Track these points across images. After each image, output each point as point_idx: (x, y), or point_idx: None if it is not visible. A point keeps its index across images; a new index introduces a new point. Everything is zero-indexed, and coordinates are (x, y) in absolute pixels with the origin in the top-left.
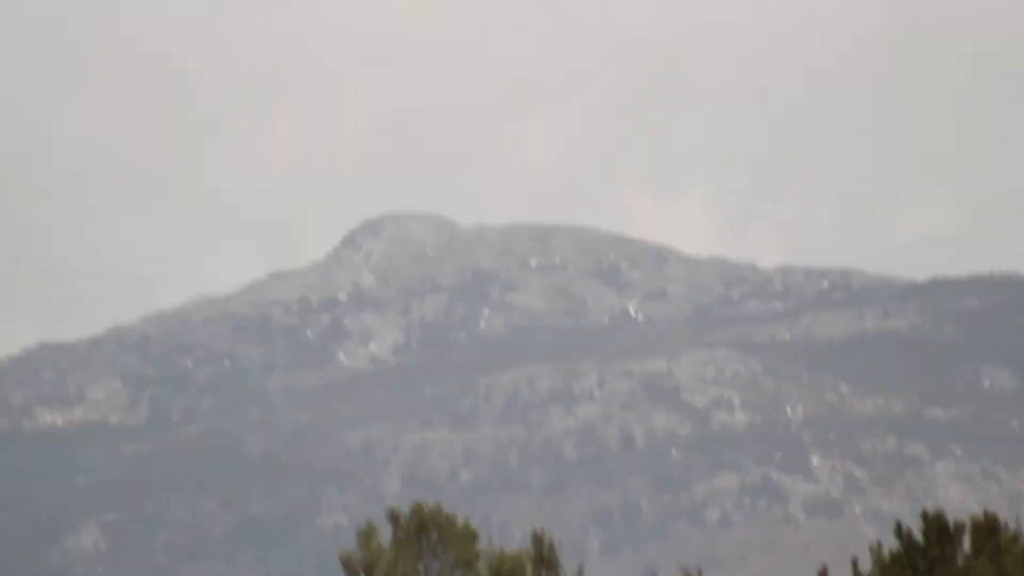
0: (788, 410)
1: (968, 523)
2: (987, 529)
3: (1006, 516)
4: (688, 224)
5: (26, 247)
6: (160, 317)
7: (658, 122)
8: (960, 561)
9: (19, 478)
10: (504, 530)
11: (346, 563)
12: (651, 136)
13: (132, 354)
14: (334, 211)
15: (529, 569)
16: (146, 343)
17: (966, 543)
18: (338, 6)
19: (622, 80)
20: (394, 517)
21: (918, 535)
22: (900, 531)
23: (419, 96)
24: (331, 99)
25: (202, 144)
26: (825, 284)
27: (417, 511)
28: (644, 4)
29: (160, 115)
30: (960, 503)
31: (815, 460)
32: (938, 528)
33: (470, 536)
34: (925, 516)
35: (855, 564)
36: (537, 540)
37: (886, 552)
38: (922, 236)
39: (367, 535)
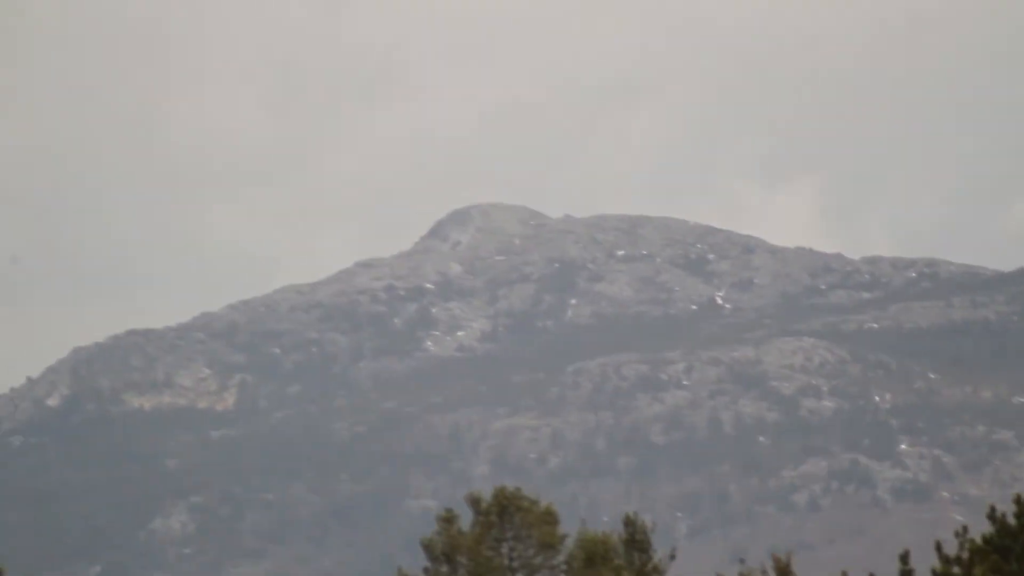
0: (876, 397)
1: None
2: None
3: None
4: (789, 214)
5: (119, 234)
6: (247, 305)
7: (760, 114)
8: None
9: (109, 462)
10: (592, 514)
11: (427, 547)
12: (754, 126)
13: (220, 340)
14: (426, 202)
15: (621, 551)
16: (234, 330)
17: None
18: (448, 5)
19: (721, 73)
20: (475, 501)
21: (1011, 519)
22: (994, 515)
23: (520, 91)
24: (434, 93)
25: (306, 138)
26: (912, 274)
27: (498, 495)
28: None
29: (268, 109)
30: None
31: (903, 446)
32: None
33: (552, 519)
34: (1019, 500)
35: (939, 547)
36: (629, 523)
37: (976, 536)
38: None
39: (447, 520)
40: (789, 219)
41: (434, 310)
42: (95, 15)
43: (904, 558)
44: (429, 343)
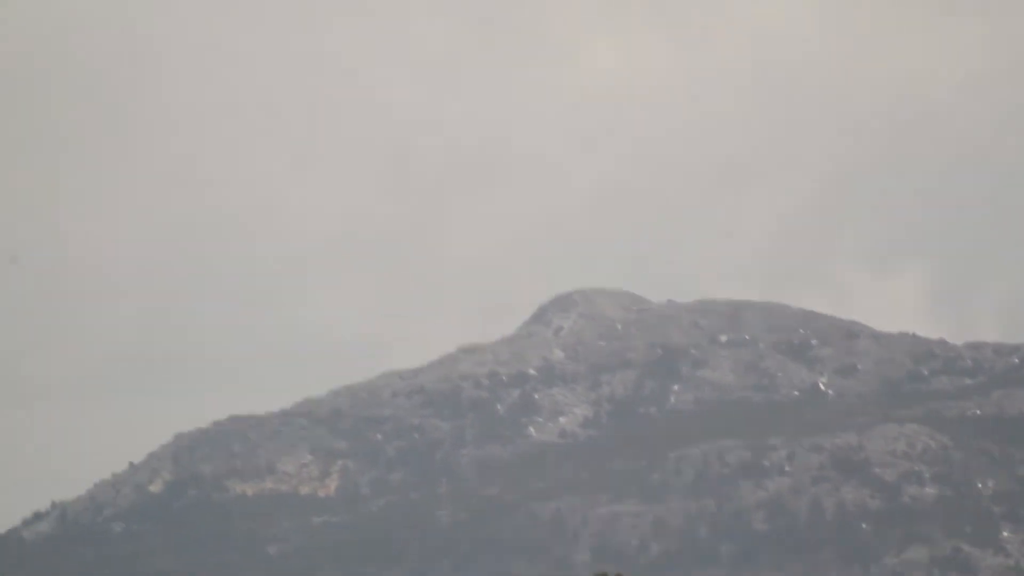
0: (978, 484)
1: None
2: None
3: None
4: (895, 300)
5: (222, 320)
6: (350, 390)
7: (868, 199)
8: None
9: (210, 549)
10: None
11: None
12: (861, 212)
13: (322, 427)
14: (529, 286)
15: None
16: (336, 416)
17: None
18: (555, 87)
19: (829, 159)
20: None
21: None
22: None
23: (625, 173)
24: (541, 176)
25: (413, 222)
26: (1016, 360)
27: None
28: (858, 77)
29: (376, 193)
30: None
31: (1006, 533)
32: None
33: None
34: None
35: None
36: None
37: None
38: None
39: None
40: (894, 305)
41: (537, 396)
42: (212, 90)
43: None
44: (532, 429)
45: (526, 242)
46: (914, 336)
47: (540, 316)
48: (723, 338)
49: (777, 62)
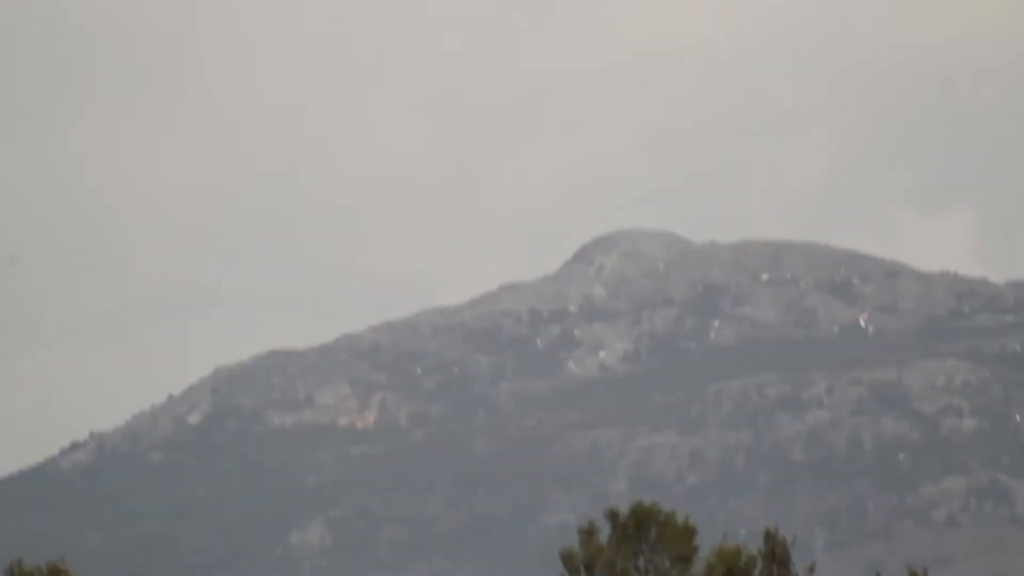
0: (1017, 417)
1: None
2: None
3: None
4: (941, 241)
5: (267, 256)
6: (390, 326)
7: (917, 144)
8: None
9: (247, 478)
10: (730, 529)
11: (566, 560)
12: (911, 156)
13: (362, 361)
14: (573, 228)
15: (761, 565)
16: (376, 351)
17: None
18: (604, 34)
19: (879, 105)
20: (614, 515)
21: None
22: None
23: (677, 120)
24: (594, 121)
25: (467, 167)
26: None
27: (636, 509)
28: (909, 19)
29: (430, 140)
30: None
31: None
32: None
33: (689, 533)
34: None
35: None
36: (769, 537)
37: None
38: None
39: (588, 532)
40: (939, 246)
41: (577, 332)
42: (270, 40)
43: None
44: (571, 364)
45: (573, 185)
46: (955, 275)
47: (582, 255)
48: (764, 277)
49: (827, 10)
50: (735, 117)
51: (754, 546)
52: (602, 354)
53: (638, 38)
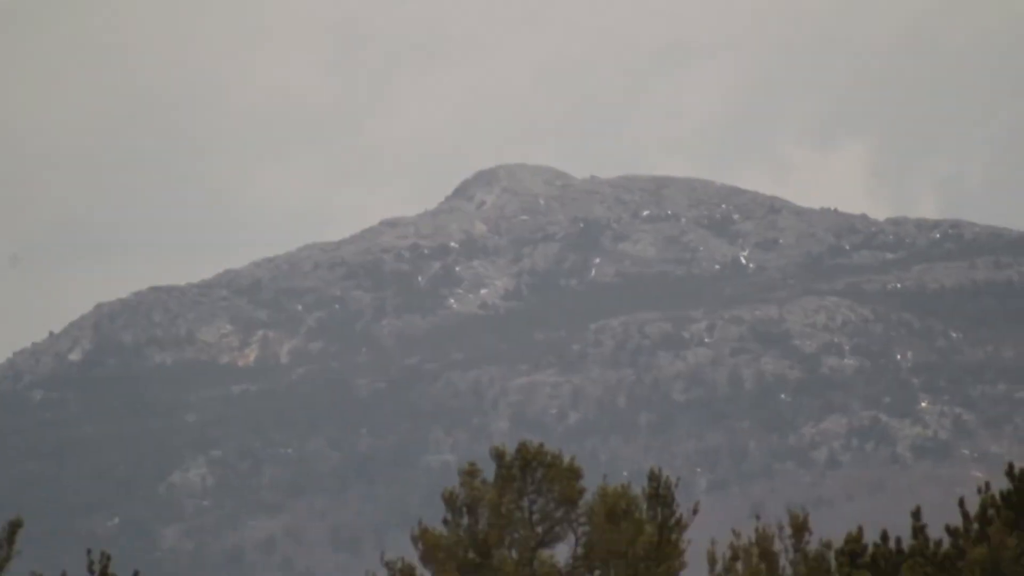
0: (898, 356)
1: None
2: None
3: None
4: (827, 176)
5: (146, 191)
6: (271, 262)
7: (809, 77)
8: None
9: (129, 416)
10: (612, 470)
11: (449, 501)
12: (802, 90)
13: (242, 297)
14: (456, 163)
15: (644, 506)
16: (257, 287)
17: None
18: None
19: (764, 41)
20: (498, 455)
21: None
22: (1012, 472)
23: (571, 52)
24: (482, 56)
25: (355, 101)
26: (936, 235)
27: (521, 449)
28: None
29: (319, 72)
30: None
31: (924, 404)
32: None
33: (574, 474)
34: None
35: (962, 504)
36: (653, 477)
37: (995, 492)
38: None
39: (470, 473)
40: (825, 183)
41: (458, 268)
42: None
43: (916, 514)
44: (452, 301)
45: (457, 120)
46: (836, 211)
47: (463, 190)
48: (645, 213)
49: None
50: (623, 51)
51: (637, 487)
52: (483, 291)
53: None
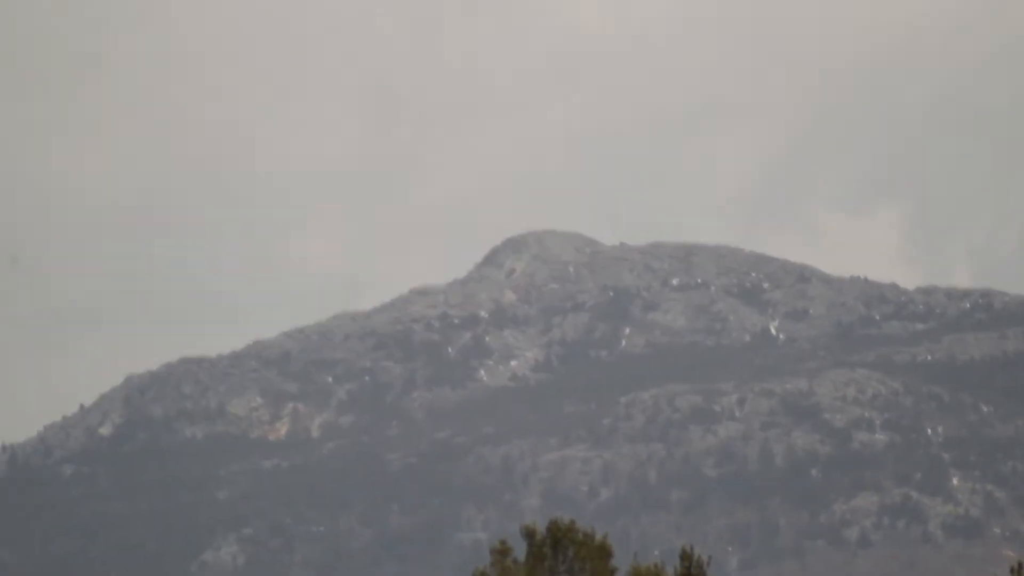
0: (928, 431)
1: None
2: None
3: None
4: (860, 244)
5: (178, 261)
6: (301, 333)
7: (841, 143)
8: None
9: (160, 492)
10: (643, 547)
11: None
12: (834, 156)
13: (272, 369)
14: (485, 229)
15: None
16: (286, 359)
17: None
18: (536, 26)
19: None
20: (529, 533)
21: None
22: None
23: (603, 115)
24: (517, 117)
25: (386, 165)
26: (967, 305)
27: (552, 527)
28: (833, 22)
29: (351, 135)
30: None
31: (955, 481)
32: None
33: (606, 553)
34: None
35: None
36: (685, 556)
37: None
38: None
39: (501, 552)
40: (856, 251)
41: (488, 339)
42: (184, 31)
43: None
44: (482, 372)
45: (487, 185)
46: (865, 280)
47: (492, 258)
48: (674, 281)
49: (753, 8)
50: (655, 115)
51: (669, 566)
52: (513, 363)
53: (562, 33)
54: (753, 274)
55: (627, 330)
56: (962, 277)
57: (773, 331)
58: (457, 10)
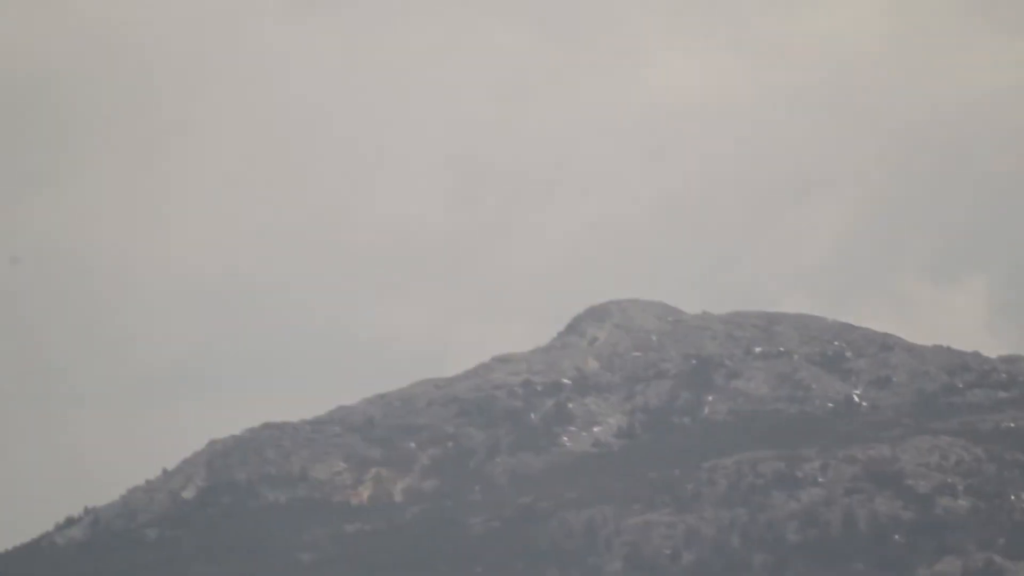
0: (1012, 497)
1: None
2: None
3: None
4: (937, 313)
5: (259, 327)
6: (384, 399)
7: (927, 213)
8: None
9: (243, 556)
10: None
11: None
12: (918, 226)
13: (356, 434)
14: (567, 298)
15: None
16: (370, 424)
17: None
18: (623, 94)
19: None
20: None
21: None
22: None
23: (688, 184)
24: (603, 187)
25: (471, 232)
26: None
27: None
28: (920, 86)
29: (434, 206)
30: None
31: None
32: None
33: None
34: None
35: None
36: None
37: None
38: None
39: None
40: (937, 317)
41: (571, 405)
42: (271, 96)
43: None
44: (565, 439)
45: (571, 254)
46: (948, 349)
47: (574, 326)
48: (757, 349)
49: (839, 77)
50: (740, 183)
51: None
52: (596, 429)
53: (650, 102)
54: (836, 343)
55: (710, 397)
56: None
57: (856, 398)
58: (543, 79)
